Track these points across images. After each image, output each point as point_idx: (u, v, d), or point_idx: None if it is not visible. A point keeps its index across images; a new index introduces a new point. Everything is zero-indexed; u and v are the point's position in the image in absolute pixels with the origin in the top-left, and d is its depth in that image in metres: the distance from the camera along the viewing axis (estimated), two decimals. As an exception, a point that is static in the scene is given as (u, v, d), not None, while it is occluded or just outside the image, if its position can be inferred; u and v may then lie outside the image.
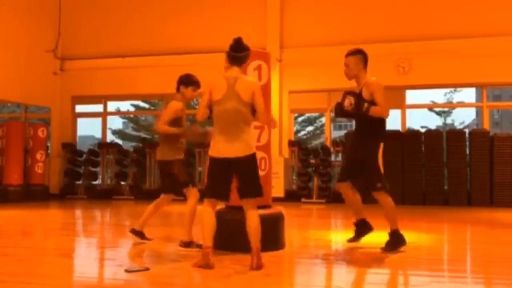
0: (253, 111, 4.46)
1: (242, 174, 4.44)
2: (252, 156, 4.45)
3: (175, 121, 5.37)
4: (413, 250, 5.38)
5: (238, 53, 4.55)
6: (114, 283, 4.21)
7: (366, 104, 5.04)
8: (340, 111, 5.32)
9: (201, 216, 4.53)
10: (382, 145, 5.17)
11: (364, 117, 5.12)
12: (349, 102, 5.14)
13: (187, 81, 5.54)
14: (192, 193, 5.39)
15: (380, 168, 5.14)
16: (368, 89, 5.13)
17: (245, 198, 4.47)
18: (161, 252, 5.31)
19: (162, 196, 5.69)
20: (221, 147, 4.42)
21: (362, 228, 5.60)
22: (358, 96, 5.15)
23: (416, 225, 7.90)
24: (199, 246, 5.16)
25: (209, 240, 4.40)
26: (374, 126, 5.18)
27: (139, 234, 5.69)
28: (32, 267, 4.61)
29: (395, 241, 5.19)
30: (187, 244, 5.34)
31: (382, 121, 5.20)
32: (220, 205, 4.90)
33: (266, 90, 5.53)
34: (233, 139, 4.38)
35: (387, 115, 5.12)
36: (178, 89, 5.55)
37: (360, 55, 5.34)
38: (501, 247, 5.91)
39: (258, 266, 4.33)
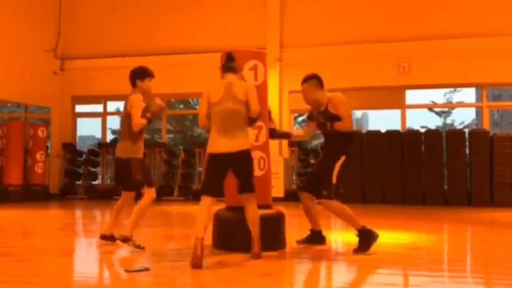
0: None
1: (239, 169, 4.70)
2: (247, 151, 4.71)
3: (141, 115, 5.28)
4: (413, 250, 5.38)
5: (230, 63, 4.91)
6: (114, 283, 4.21)
7: (328, 123, 5.25)
8: (306, 135, 5.68)
9: (198, 211, 4.67)
10: (343, 158, 5.26)
11: (328, 133, 5.33)
12: (312, 125, 5.37)
13: (142, 73, 5.46)
14: (149, 193, 5.35)
15: (332, 179, 5.23)
16: (331, 104, 5.30)
17: (244, 193, 4.74)
18: (161, 252, 5.30)
19: (123, 194, 5.61)
20: (219, 144, 4.65)
21: (315, 237, 5.67)
22: (314, 117, 5.42)
23: (416, 225, 7.90)
24: (136, 246, 5.20)
25: (201, 231, 4.50)
26: (337, 140, 5.31)
27: (109, 238, 5.59)
28: (32, 267, 4.61)
29: (365, 239, 5.16)
30: (126, 239, 5.22)
31: (345, 135, 5.29)
32: (220, 205, 4.92)
33: (262, 89, 5.52)
34: (230, 135, 4.64)
35: (351, 127, 5.28)
36: (134, 85, 5.43)
37: (311, 80, 5.46)
38: (501, 247, 5.91)
39: (258, 254, 4.68)
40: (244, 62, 5.35)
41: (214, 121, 4.72)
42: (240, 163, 4.68)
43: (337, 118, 5.24)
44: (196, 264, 4.35)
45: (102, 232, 5.76)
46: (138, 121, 5.22)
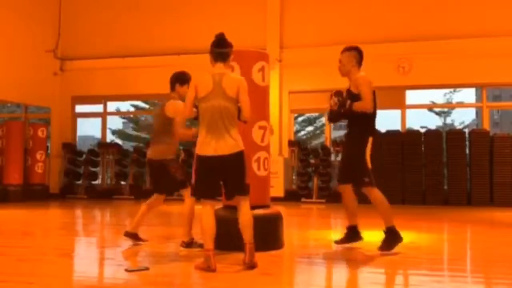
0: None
1: (231, 172, 4.37)
2: (240, 154, 4.38)
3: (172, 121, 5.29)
4: (413, 250, 5.38)
5: (222, 49, 4.46)
6: (114, 282, 4.21)
7: (348, 101, 5.12)
8: (329, 114, 5.43)
9: (200, 217, 4.48)
10: (371, 140, 5.15)
11: (351, 115, 5.17)
12: (333, 102, 5.24)
13: (183, 79, 5.49)
14: (188, 193, 5.35)
15: (367, 164, 5.12)
16: (355, 84, 5.19)
17: (235, 198, 4.47)
18: (161, 252, 5.30)
19: (155, 196, 5.62)
20: (209, 145, 4.33)
21: (353, 234, 5.55)
22: (342, 95, 5.24)
23: (416, 225, 7.90)
24: (200, 245, 5.15)
25: (210, 242, 4.35)
26: (361, 123, 5.19)
27: (133, 236, 5.64)
28: (32, 267, 4.61)
29: (391, 239, 5.14)
30: (189, 244, 5.33)
31: (369, 117, 5.17)
32: (219, 205, 4.91)
33: (267, 91, 5.55)
34: (219, 136, 4.31)
35: (369, 107, 5.08)
36: (173, 88, 5.48)
37: (353, 51, 5.34)
38: (501, 247, 5.91)
39: (251, 263, 4.30)
40: (254, 63, 5.35)
41: (201, 118, 4.39)
42: (232, 166, 4.34)
43: (357, 98, 5.09)
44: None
45: (127, 230, 5.73)
46: (181, 131, 4.99)
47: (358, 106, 5.08)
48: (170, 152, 5.43)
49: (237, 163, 4.37)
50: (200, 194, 4.48)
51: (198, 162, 4.44)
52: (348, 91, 5.27)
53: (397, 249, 5.47)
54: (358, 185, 5.24)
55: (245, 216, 4.40)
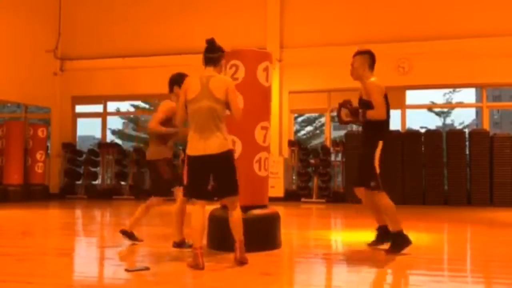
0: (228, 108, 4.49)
1: (219, 172, 4.45)
2: (228, 153, 4.46)
3: (167, 121, 5.31)
4: (413, 250, 5.37)
5: (211, 54, 4.62)
6: (114, 282, 4.21)
7: (361, 111, 5.06)
8: (341, 122, 5.39)
9: (190, 216, 4.53)
10: (381, 144, 5.09)
11: (360, 121, 5.15)
12: (344, 113, 5.19)
13: (182, 81, 5.50)
14: (179, 193, 5.34)
15: (376, 167, 5.07)
16: (366, 90, 5.15)
17: (225, 197, 4.56)
18: (161, 252, 5.30)
19: (152, 198, 5.61)
20: (197, 145, 4.42)
21: (383, 234, 5.42)
22: (350, 103, 5.18)
23: (416, 225, 7.89)
24: (191, 246, 5.16)
25: (199, 240, 4.40)
26: (374, 126, 5.14)
27: (129, 234, 5.63)
28: (32, 267, 4.61)
29: (399, 243, 5.07)
30: (179, 244, 5.31)
31: (382, 121, 5.13)
32: (213, 204, 4.92)
33: (270, 90, 5.55)
34: (207, 136, 4.40)
35: (383, 116, 5.04)
36: (171, 90, 5.49)
37: (366, 55, 5.28)
38: (501, 247, 5.91)
39: (241, 259, 4.44)
40: (259, 63, 5.35)
41: (190, 120, 4.50)
42: (220, 165, 4.42)
43: (369, 105, 5.04)
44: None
45: (123, 227, 5.73)
46: (155, 125, 5.24)
47: (371, 115, 5.03)
48: (162, 152, 5.40)
49: (226, 162, 4.46)
50: (191, 193, 4.57)
51: (189, 162, 4.54)
52: (360, 99, 5.21)
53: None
54: (365, 187, 5.21)
55: (235, 215, 4.54)
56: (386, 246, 5.22)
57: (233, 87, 4.52)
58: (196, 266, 4.30)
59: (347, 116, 5.16)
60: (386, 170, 5.22)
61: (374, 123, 5.09)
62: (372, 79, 5.18)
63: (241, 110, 4.60)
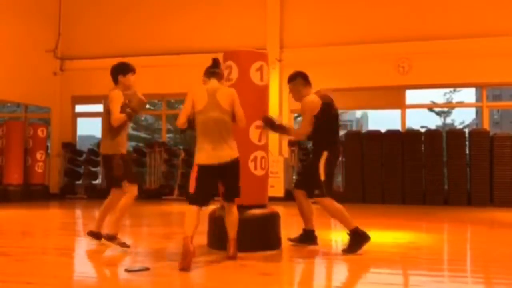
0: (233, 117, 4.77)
1: (228, 178, 4.73)
2: (236, 160, 4.74)
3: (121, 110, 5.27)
4: (413, 250, 5.39)
5: (216, 69, 4.94)
6: (114, 283, 4.22)
7: (283, 128, 5.51)
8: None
9: (185, 212, 4.64)
10: (325, 153, 5.23)
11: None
12: (265, 133, 5.46)
13: (123, 68, 5.48)
14: (131, 189, 5.30)
15: (320, 175, 5.21)
16: (301, 108, 5.43)
17: (230, 201, 4.81)
18: (161, 252, 5.30)
19: (113, 191, 5.51)
20: (208, 155, 4.63)
21: (307, 237, 5.65)
22: (272, 123, 5.40)
23: (416, 225, 7.90)
24: (121, 244, 5.21)
25: (190, 230, 4.47)
26: (316, 137, 5.35)
27: (95, 234, 5.59)
28: (32, 267, 4.61)
29: (356, 241, 5.15)
30: (110, 238, 5.24)
31: (324, 132, 5.28)
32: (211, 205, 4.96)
33: (266, 90, 5.56)
34: (218, 146, 4.64)
35: (306, 133, 5.35)
36: (116, 81, 5.43)
37: (295, 79, 5.51)
38: (501, 247, 5.91)
39: (234, 255, 4.73)
40: (252, 62, 5.39)
41: (199, 130, 4.71)
42: (229, 172, 4.70)
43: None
44: (185, 267, 4.27)
45: (91, 228, 5.72)
46: (117, 116, 5.21)
47: (296, 134, 5.69)
48: (115, 146, 5.33)
49: (234, 169, 4.74)
50: (200, 202, 4.64)
51: (199, 171, 4.69)
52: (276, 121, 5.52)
53: (397, 249, 5.48)
54: (309, 195, 5.49)
55: (232, 215, 4.82)
56: (311, 247, 5.50)
57: (237, 98, 4.79)
58: (186, 252, 4.32)
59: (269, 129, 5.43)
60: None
61: (316, 134, 5.32)
62: (307, 98, 5.36)
63: (245, 122, 4.88)
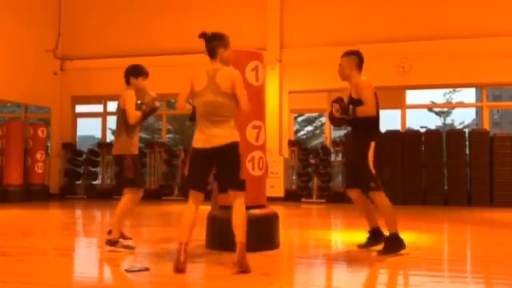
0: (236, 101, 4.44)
1: (223, 163, 4.38)
2: (234, 144, 4.39)
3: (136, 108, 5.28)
4: (413, 250, 5.38)
5: (207, 47, 4.57)
6: (114, 283, 4.21)
7: (351, 106, 5.06)
8: (332, 120, 5.40)
9: (182, 212, 4.47)
10: (373, 144, 5.07)
11: (354, 119, 5.11)
12: (335, 109, 5.16)
13: (136, 71, 5.48)
14: (136, 193, 5.29)
15: (371, 168, 5.04)
16: (356, 89, 5.17)
17: (230, 191, 4.40)
18: (161, 252, 5.30)
19: (125, 191, 5.47)
20: (204, 138, 4.39)
21: (374, 237, 5.37)
22: (342, 100, 5.18)
23: (416, 225, 7.90)
24: (125, 247, 5.18)
25: (185, 236, 4.32)
26: (364, 126, 5.13)
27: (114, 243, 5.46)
28: (32, 267, 4.61)
29: (392, 245, 5.02)
30: (113, 243, 5.22)
31: (372, 121, 5.12)
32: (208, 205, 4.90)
33: (262, 90, 5.55)
34: (215, 129, 4.37)
35: (373, 112, 5.05)
36: (128, 82, 5.42)
37: (353, 56, 5.31)
38: (501, 247, 5.91)
39: (241, 265, 4.17)
40: (247, 62, 5.37)
41: (197, 113, 4.48)
42: (225, 157, 4.36)
43: (357, 103, 5.05)
44: (179, 269, 4.20)
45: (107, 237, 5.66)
46: (134, 114, 5.20)
47: (361, 111, 5.02)
48: (127, 146, 5.32)
49: (230, 154, 4.37)
50: (190, 184, 4.48)
51: (192, 154, 4.49)
52: (349, 97, 5.24)
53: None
54: (365, 189, 5.18)
55: (239, 215, 4.32)
56: (377, 247, 5.18)
57: (239, 80, 4.44)
58: (177, 261, 4.22)
59: (338, 111, 5.12)
60: (382, 170, 5.20)
61: (364, 123, 5.08)
62: (362, 78, 5.21)
63: (248, 103, 4.48)
